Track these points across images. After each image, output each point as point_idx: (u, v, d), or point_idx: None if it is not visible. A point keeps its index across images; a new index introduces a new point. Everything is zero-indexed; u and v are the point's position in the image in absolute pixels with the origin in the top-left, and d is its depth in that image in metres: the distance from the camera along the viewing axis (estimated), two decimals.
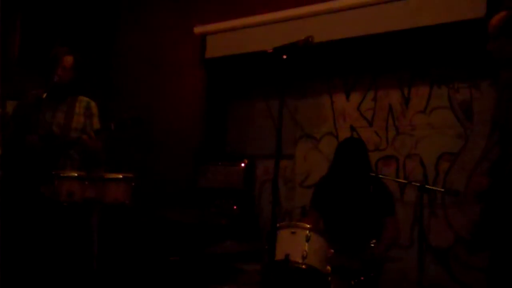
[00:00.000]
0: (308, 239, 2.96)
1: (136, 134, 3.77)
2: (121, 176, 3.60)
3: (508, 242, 2.87)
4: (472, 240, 3.98)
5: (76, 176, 3.49)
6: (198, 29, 5.27)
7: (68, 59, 3.75)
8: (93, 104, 3.92)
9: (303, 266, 2.91)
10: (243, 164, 4.91)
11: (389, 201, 3.68)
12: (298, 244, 2.96)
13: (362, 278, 3.10)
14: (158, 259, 4.30)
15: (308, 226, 3.04)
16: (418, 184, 3.46)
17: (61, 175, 3.45)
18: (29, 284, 3.47)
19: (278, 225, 2.97)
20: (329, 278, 2.95)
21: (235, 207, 4.81)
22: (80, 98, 3.89)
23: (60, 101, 3.79)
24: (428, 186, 3.46)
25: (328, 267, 2.96)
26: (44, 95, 3.61)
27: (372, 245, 3.14)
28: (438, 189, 3.75)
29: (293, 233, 3.02)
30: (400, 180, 4.15)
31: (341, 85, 4.82)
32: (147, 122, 3.73)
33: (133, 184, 3.63)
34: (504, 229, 2.91)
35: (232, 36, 5.06)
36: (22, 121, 3.71)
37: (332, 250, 3.01)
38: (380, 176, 3.76)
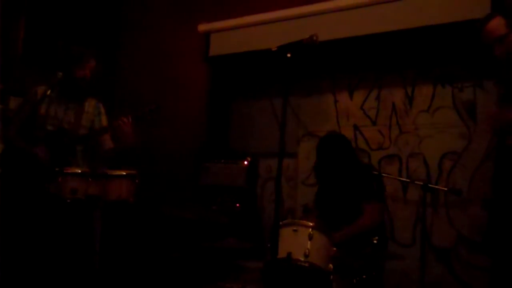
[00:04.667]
0: (310, 237, 2.96)
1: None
2: (124, 173, 3.61)
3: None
4: (481, 243, 3.97)
5: (79, 173, 3.50)
6: (202, 27, 5.27)
7: (92, 62, 3.80)
8: (101, 104, 4.01)
9: (305, 264, 2.91)
10: (245, 162, 4.91)
11: (367, 187, 3.56)
12: (301, 242, 2.96)
13: (364, 276, 3.10)
14: (160, 256, 4.30)
15: (311, 224, 3.03)
16: (421, 183, 3.47)
17: (65, 171, 3.46)
18: (32, 280, 3.48)
19: (280, 223, 2.98)
20: (331, 277, 2.95)
21: (237, 205, 4.81)
22: (89, 99, 3.95)
23: (71, 100, 3.82)
24: (431, 185, 3.47)
25: (330, 265, 2.96)
26: (49, 92, 3.62)
27: (375, 241, 3.14)
28: (441, 188, 3.75)
29: (295, 231, 3.02)
30: (403, 179, 4.14)
31: (345, 83, 4.82)
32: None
33: (136, 181, 3.64)
34: (508, 231, 2.91)
35: (236, 34, 5.06)
36: (28, 117, 3.73)
37: (335, 249, 3.01)
38: (383, 174, 3.76)
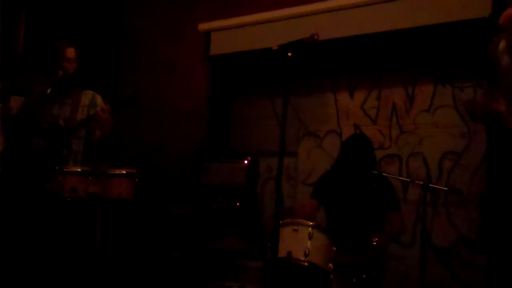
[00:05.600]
0: (310, 237, 2.96)
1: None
2: (124, 172, 3.60)
3: (508, 243, 2.87)
4: (476, 242, 3.98)
5: (80, 171, 3.50)
6: (202, 26, 5.27)
7: (71, 51, 3.77)
8: (98, 96, 3.94)
9: (305, 264, 2.92)
10: (246, 161, 4.90)
11: (392, 196, 3.70)
12: (301, 241, 2.96)
13: (364, 276, 3.10)
14: (160, 255, 4.30)
15: (311, 223, 3.04)
16: (421, 183, 3.46)
17: (65, 170, 3.46)
18: (32, 278, 3.48)
19: (280, 222, 2.97)
20: (331, 276, 2.96)
21: (237, 204, 4.81)
22: (85, 92, 3.91)
23: (66, 94, 3.81)
24: (431, 185, 3.46)
25: (330, 265, 2.96)
26: (49, 90, 3.62)
27: (374, 242, 3.14)
28: (441, 188, 3.74)
29: (295, 230, 3.02)
30: (403, 179, 4.14)
31: (345, 83, 4.81)
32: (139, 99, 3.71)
33: (136, 180, 3.64)
34: (503, 230, 2.91)
35: (237, 33, 5.06)
36: (28, 119, 3.73)
37: (335, 248, 3.01)
38: (384, 174, 3.76)
